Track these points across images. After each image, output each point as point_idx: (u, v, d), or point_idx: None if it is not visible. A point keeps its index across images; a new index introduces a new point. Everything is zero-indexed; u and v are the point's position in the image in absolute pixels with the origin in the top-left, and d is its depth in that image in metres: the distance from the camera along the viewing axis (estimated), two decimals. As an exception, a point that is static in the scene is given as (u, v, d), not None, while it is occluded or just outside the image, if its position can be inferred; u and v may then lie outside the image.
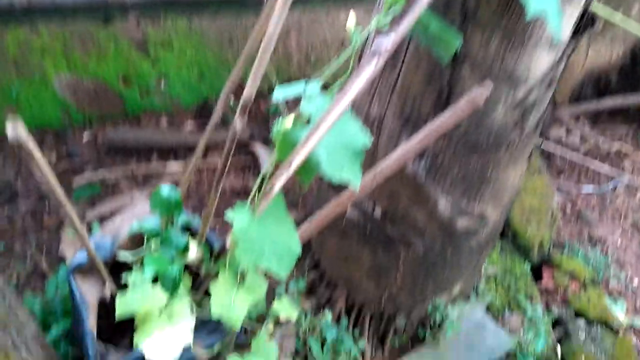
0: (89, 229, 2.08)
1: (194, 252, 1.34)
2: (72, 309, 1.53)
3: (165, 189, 1.29)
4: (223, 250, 1.45)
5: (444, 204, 1.49)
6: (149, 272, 1.19)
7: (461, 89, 1.26)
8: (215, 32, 2.53)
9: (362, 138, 1.05)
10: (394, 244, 1.66)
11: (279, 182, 1.09)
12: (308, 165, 1.05)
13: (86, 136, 2.51)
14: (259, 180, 1.13)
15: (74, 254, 1.73)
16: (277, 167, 1.10)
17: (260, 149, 2.49)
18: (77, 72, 2.40)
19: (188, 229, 1.55)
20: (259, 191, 1.10)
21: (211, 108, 2.64)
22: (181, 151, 2.49)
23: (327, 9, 2.67)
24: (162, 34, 2.45)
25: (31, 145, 0.90)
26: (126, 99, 2.57)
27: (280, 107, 2.74)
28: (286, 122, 1.04)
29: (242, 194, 2.34)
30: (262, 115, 2.76)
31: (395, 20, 0.98)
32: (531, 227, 2.43)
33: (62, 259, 1.99)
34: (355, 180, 1.01)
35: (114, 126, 2.58)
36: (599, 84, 3.52)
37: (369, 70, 0.88)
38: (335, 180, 1.01)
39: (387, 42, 0.87)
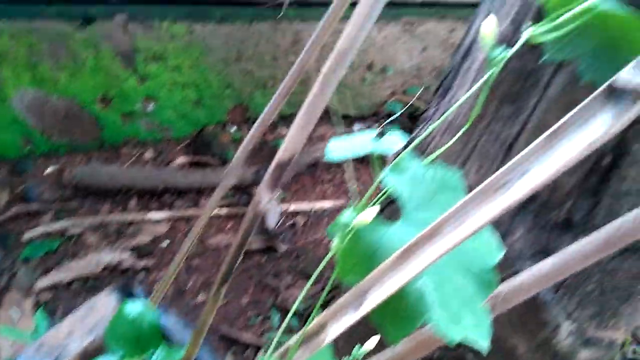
0: (37, 307, 1.53)
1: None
2: None
3: (133, 309, 0.74)
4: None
5: (565, 332, 0.94)
6: None
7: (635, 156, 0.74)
8: (220, 44, 2.02)
9: (493, 256, 0.53)
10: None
11: (336, 327, 0.55)
12: (399, 305, 0.52)
13: (50, 171, 1.97)
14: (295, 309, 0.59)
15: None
16: (334, 294, 0.58)
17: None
18: (44, 87, 1.88)
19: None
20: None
21: (209, 141, 2.11)
22: (168, 196, 1.94)
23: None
24: (154, 42, 1.93)
25: None
26: (104, 125, 2.04)
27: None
28: (361, 215, 0.50)
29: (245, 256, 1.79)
30: (269, 149, 2.22)
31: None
32: None
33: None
34: (481, 338, 0.48)
35: (86, 159, 2.04)
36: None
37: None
38: (452, 339, 0.49)
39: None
